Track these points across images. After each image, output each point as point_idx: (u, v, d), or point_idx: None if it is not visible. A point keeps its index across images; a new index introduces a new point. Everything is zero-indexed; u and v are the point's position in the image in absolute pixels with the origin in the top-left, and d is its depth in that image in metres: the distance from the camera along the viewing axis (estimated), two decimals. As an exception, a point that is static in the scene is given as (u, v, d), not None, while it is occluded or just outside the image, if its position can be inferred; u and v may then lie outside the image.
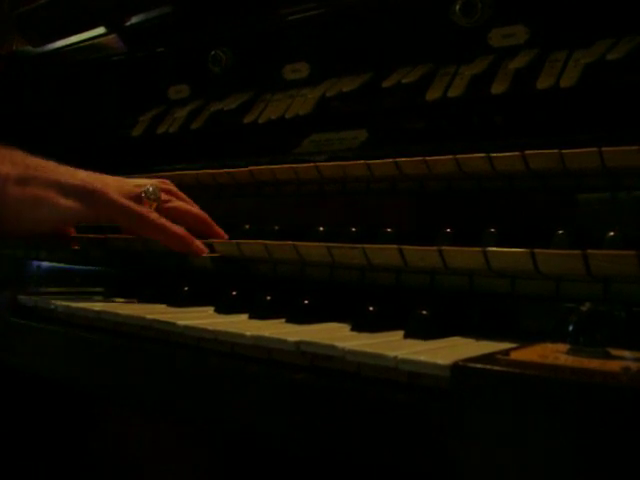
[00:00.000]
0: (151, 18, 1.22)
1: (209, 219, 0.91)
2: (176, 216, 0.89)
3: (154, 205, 0.87)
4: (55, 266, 1.08)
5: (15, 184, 0.80)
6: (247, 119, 1.08)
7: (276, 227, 0.87)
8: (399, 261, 0.63)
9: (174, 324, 0.62)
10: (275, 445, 0.85)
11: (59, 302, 0.77)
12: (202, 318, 0.67)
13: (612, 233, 0.60)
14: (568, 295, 0.57)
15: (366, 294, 0.70)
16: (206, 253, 0.82)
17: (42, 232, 0.88)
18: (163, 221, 0.82)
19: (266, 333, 0.56)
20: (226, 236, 0.90)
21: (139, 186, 0.89)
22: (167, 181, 0.94)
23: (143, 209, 0.83)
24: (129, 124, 1.27)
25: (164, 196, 0.90)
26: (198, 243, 0.83)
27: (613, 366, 0.41)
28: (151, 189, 0.88)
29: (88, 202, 0.82)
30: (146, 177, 0.96)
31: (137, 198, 0.87)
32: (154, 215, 0.83)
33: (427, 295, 0.65)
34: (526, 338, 0.53)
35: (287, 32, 1.10)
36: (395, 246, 0.64)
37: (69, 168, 0.86)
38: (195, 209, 0.91)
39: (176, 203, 0.90)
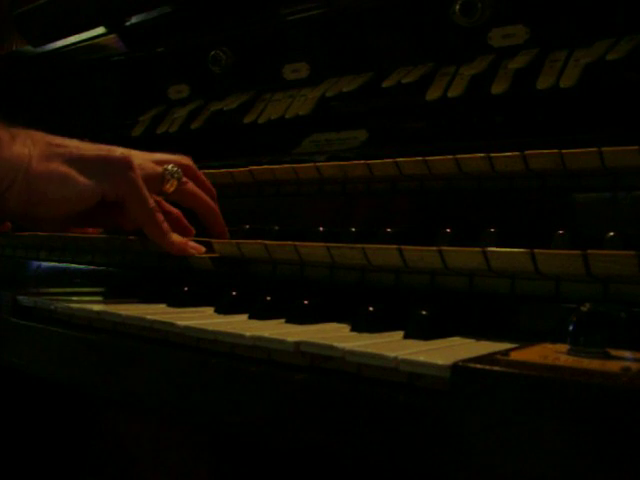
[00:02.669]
0: (151, 18, 1.21)
1: (218, 212, 0.90)
2: (190, 199, 0.89)
3: (175, 184, 0.86)
4: (55, 266, 1.08)
5: (38, 164, 0.78)
6: (247, 119, 1.08)
7: (276, 227, 0.87)
8: (399, 261, 0.63)
9: (174, 324, 0.62)
10: (275, 445, 0.85)
11: (59, 302, 0.77)
12: (202, 318, 0.67)
13: (612, 233, 0.60)
14: (568, 295, 0.57)
15: (366, 294, 0.70)
16: (203, 252, 0.82)
17: (70, 213, 0.83)
18: (165, 226, 0.83)
19: (266, 333, 0.56)
20: (227, 235, 0.90)
21: (161, 162, 0.88)
22: (187, 158, 0.92)
23: (155, 207, 0.83)
24: (129, 124, 1.27)
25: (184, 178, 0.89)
26: (193, 245, 0.83)
27: (613, 366, 0.41)
28: (175, 169, 0.87)
29: (108, 176, 0.81)
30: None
31: (159, 177, 0.86)
32: (161, 217, 0.83)
33: (427, 295, 0.65)
34: (526, 338, 0.53)
35: (287, 32, 1.10)
36: (395, 246, 0.64)
37: (93, 144, 0.84)
38: (209, 200, 0.90)
39: (195, 188, 0.89)
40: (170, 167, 0.87)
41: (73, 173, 0.80)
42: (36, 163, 0.79)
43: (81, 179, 0.80)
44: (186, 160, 0.91)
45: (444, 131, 0.90)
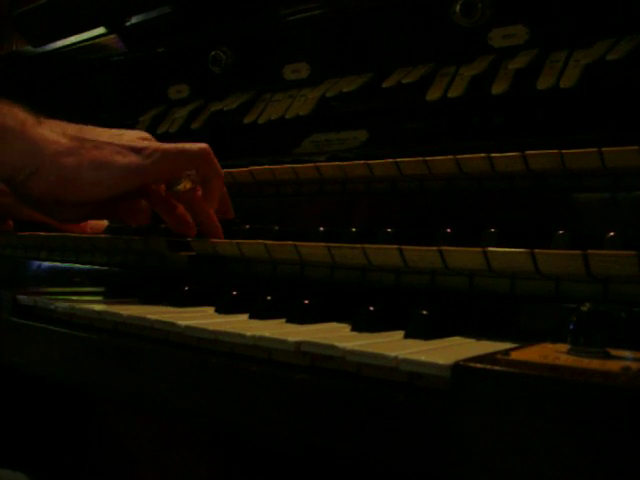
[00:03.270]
0: (151, 18, 1.22)
1: (218, 225, 0.87)
2: (194, 207, 0.86)
3: (187, 186, 0.85)
4: (55, 266, 1.08)
5: (69, 149, 0.77)
6: (247, 119, 1.08)
7: (276, 227, 0.87)
8: (399, 261, 0.63)
9: (175, 324, 0.62)
10: (275, 445, 0.85)
11: (59, 302, 0.77)
12: (203, 318, 0.67)
13: (612, 233, 0.60)
14: (568, 295, 0.57)
15: (366, 294, 0.70)
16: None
17: (104, 197, 0.81)
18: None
19: (266, 333, 0.56)
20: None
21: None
22: (206, 145, 0.87)
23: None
24: (129, 124, 1.27)
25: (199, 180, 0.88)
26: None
27: (613, 366, 0.41)
28: (193, 173, 0.86)
29: (144, 156, 0.80)
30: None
31: (177, 176, 0.86)
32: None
33: (427, 295, 0.65)
34: (526, 338, 0.53)
35: (287, 32, 1.10)
36: (395, 246, 0.64)
37: (117, 130, 0.85)
38: (209, 217, 0.86)
39: (200, 201, 0.86)
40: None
41: (107, 156, 0.79)
42: (66, 148, 0.77)
43: (117, 159, 0.79)
44: (205, 146, 0.87)
45: (444, 131, 0.90)
